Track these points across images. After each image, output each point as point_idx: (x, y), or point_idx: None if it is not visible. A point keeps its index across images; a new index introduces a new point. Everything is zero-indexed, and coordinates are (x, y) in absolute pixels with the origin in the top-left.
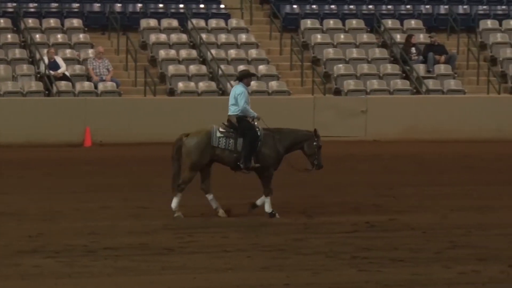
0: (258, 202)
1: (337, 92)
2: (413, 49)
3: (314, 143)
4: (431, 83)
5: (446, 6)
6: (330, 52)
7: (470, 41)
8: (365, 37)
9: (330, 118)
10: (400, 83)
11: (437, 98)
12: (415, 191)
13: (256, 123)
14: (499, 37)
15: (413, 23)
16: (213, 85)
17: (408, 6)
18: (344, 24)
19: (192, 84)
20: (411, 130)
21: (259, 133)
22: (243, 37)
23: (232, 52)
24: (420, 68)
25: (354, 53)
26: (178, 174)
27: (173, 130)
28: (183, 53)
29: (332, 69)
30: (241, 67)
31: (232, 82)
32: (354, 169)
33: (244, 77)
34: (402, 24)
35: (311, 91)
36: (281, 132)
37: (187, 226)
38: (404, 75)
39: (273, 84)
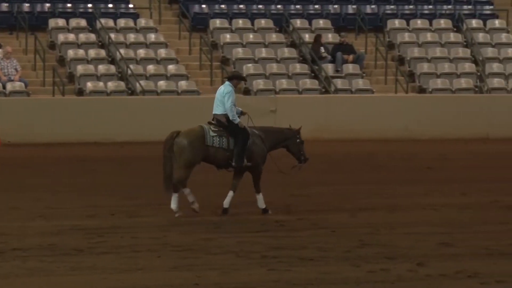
0: (260, 204)
1: (246, 91)
2: (322, 49)
3: (298, 140)
4: (339, 83)
5: (354, 6)
6: (239, 52)
7: (378, 40)
8: (274, 36)
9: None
10: (309, 83)
11: (346, 97)
12: (324, 190)
13: (241, 120)
14: (406, 36)
15: (321, 23)
16: (122, 85)
17: (317, 6)
18: (253, 24)
19: (101, 84)
20: (320, 129)
21: (249, 132)
22: (152, 36)
23: (141, 52)
24: (329, 68)
25: (263, 52)
26: (171, 174)
27: (81, 130)
28: (92, 52)
29: (242, 69)
30: (151, 67)
31: (141, 81)
32: (264, 168)
33: (234, 78)
34: (310, 24)
35: None
36: (265, 131)
37: (96, 226)
38: (313, 74)
39: (183, 84)
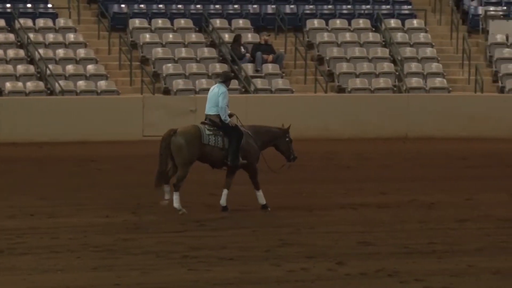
0: (261, 201)
1: (166, 91)
2: (242, 49)
3: (287, 139)
4: (259, 82)
5: (273, 6)
6: (159, 52)
7: (298, 40)
8: (194, 36)
9: (160, 117)
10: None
11: (266, 97)
12: (244, 189)
13: (231, 120)
14: (325, 36)
15: (241, 22)
16: (41, 85)
17: (236, 6)
18: (172, 24)
19: (19, 84)
20: None
21: (242, 131)
22: (71, 36)
23: (60, 52)
24: (249, 68)
25: (183, 52)
26: (165, 171)
27: (1, 130)
28: (11, 52)
29: (161, 68)
30: (70, 67)
31: (61, 81)
32: None
33: (228, 80)
34: (230, 24)
35: (140, 91)
36: (255, 130)
37: (16, 227)
38: (232, 74)
39: (102, 84)
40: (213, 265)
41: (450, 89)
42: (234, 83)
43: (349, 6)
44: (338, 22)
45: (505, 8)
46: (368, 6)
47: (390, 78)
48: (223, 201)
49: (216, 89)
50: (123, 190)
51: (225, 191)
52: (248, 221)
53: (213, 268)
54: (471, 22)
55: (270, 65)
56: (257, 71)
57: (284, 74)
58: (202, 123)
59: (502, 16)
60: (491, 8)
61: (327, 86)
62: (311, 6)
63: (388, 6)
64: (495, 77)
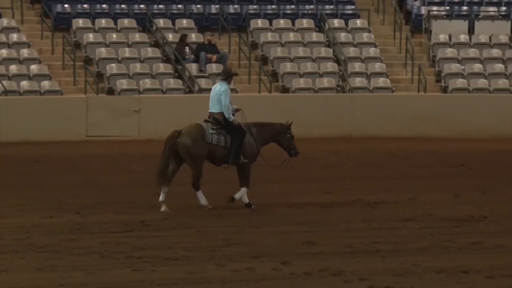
0: (237, 196)
1: (110, 91)
2: (186, 49)
3: (288, 135)
4: (203, 82)
5: (217, 6)
6: (102, 52)
7: (241, 40)
8: (137, 36)
9: (103, 117)
10: (173, 83)
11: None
12: (188, 189)
13: (235, 117)
14: (269, 36)
15: (184, 22)
16: None
17: (180, 6)
18: (116, 24)
19: None
20: None
21: (245, 130)
22: (14, 36)
23: (3, 52)
24: (193, 68)
25: (127, 52)
26: (165, 171)
27: None
28: None
29: (105, 68)
30: (13, 67)
31: (4, 82)
32: (127, 169)
33: (229, 77)
34: (174, 24)
35: (84, 91)
36: (258, 127)
37: None
38: (177, 74)
39: (45, 84)
40: (158, 265)
41: (394, 89)
42: (178, 83)
43: (292, 6)
44: (282, 22)
45: (447, 8)
46: (312, 6)
47: (333, 78)
48: (244, 199)
49: (218, 87)
50: (67, 191)
51: (243, 190)
52: (193, 221)
53: (158, 268)
54: (414, 22)
55: (214, 65)
56: (201, 71)
57: None
58: (205, 121)
59: (445, 16)
60: (434, 8)
61: (271, 86)
62: (254, 6)
63: (331, 6)
64: (438, 77)
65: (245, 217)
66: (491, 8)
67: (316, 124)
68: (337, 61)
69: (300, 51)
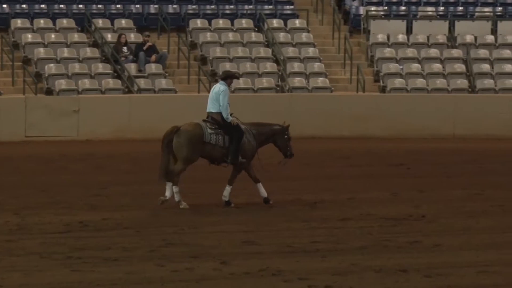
0: (225, 193)
1: (49, 91)
2: (125, 49)
3: (285, 137)
4: (142, 82)
5: (156, 6)
6: (41, 52)
7: (181, 40)
8: (76, 36)
9: (42, 118)
10: (112, 83)
11: (149, 97)
12: (128, 189)
13: (233, 119)
14: (208, 36)
15: (123, 22)
16: None
17: (119, 6)
18: (54, 24)
19: None
20: (124, 129)
21: (243, 130)
22: None
23: None
24: (132, 68)
25: (65, 52)
26: (166, 167)
27: None
28: None
29: (44, 68)
30: None
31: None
32: (66, 169)
33: (228, 77)
34: (113, 24)
35: (23, 91)
36: (256, 127)
37: None
38: (115, 74)
39: None
40: (97, 266)
41: (332, 88)
42: (117, 83)
43: (231, 6)
44: (221, 22)
45: (386, 8)
46: (251, 6)
47: (273, 78)
48: (263, 193)
49: (217, 88)
50: (6, 191)
51: (259, 185)
52: (132, 222)
53: (97, 269)
54: (353, 22)
55: (153, 65)
56: (140, 71)
57: (167, 74)
58: (204, 120)
59: (383, 16)
60: (372, 8)
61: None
62: (194, 6)
63: (270, 6)
64: (376, 77)
65: (184, 217)
66: (429, 8)
67: None
68: (276, 61)
69: (239, 51)
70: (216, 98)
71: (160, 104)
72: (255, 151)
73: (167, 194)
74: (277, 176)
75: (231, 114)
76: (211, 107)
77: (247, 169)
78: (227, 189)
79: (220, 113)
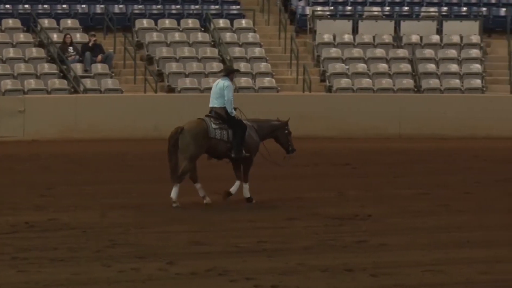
0: (232, 189)
1: None
2: (71, 49)
3: (286, 132)
4: (88, 83)
5: (102, 6)
6: None
7: (127, 40)
8: (22, 36)
9: None
10: (58, 83)
11: (95, 97)
12: (74, 190)
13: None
14: (155, 36)
15: (69, 22)
16: None
17: (64, 6)
18: (0, 24)
19: None
20: (70, 129)
21: (246, 124)
22: None
23: None
24: (78, 68)
25: (11, 52)
26: (176, 167)
27: None
28: None
29: None
30: None
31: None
32: (12, 170)
33: (230, 72)
34: (58, 24)
35: None
36: (258, 123)
37: None
38: (61, 74)
39: None
40: (43, 267)
41: (279, 88)
42: (63, 83)
43: (178, 6)
44: (167, 22)
45: (332, 8)
46: (197, 6)
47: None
48: (246, 193)
49: (221, 83)
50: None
51: (245, 186)
52: (78, 222)
53: (43, 270)
54: (299, 22)
55: (99, 65)
56: (86, 71)
57: (113, 74)
58: (207, 116)
59: (329, 16)
60: (318, 8)
61: (157, 86)
62: (140, 6)
63: (216, 6)
64: (322, 77)
65: (130, 217)
66: (375, 8)
67: None
68: (223, 61)
69: (186, 51)
70: (221, 93)
71: (106, 104)
72: (258, 146)
73: (173, 195)
74: (223, 175)
75: (234, 109)
76: (214, 102)
77: (245, 166)
78: (245, 186)
79: (223, 108)
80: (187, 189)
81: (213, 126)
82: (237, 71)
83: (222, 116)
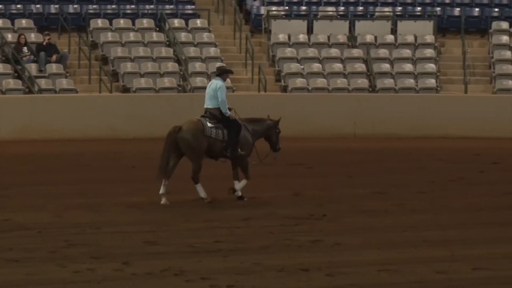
0: (237, 186)
1: None
2: (25, 49)
3: (277, 131)
4: (43, 83)
5: (57, 6)
6: None
7: (81, 40)
8: None
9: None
10: (12, 83)
11: (50, 97)
12: (29, 190)
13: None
14: (109, 36)
15: (24, 22)
16: None
17: (19, 6)
18: None
19: None
20: (25, 129)
21: (240, 124)
22: None
23: None
24: (32, 68)
25: None
26: (167, 165)
27: None
28: None
29: None
30: None
31: None
32: None
33: (223, 73)
34: (13, 24)
35: None
36: (252, 123)
37: None
38: (16, 74)
39: None
40: None
41: (234, 88)
42: (18, 83)
43: (132, 6)
44: (122, 22)
45: (287, 8)
46: (152, 6)
47: (174, 78)
48: (237, 188)
49: (214, 84)
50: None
51: (243, 182)
52: (33, 222)
53: None
54: (254, 22)
55: (54, 65)
56: (40, 71)
57: (68, 74)
58: (202, 116)
59: (284, 16)
60: (273, 8)
61: (112, 86)
62: (94, 6)
63: (171, 6)
64: (278, 76)
65: (85, 218)
66: (330, 8)
67: (157, 124)
68: (178, 61)
69: (141, 51)
70: (214, 94)
71: (62, 104)
72: (252, 146)
73: (162, 190)
74: (179, 176)
75: (229, 109)
76: (208, 103)
77: (242, 164)
78: (243, 182)
79: (218, 108)
80: (143, 190)
81: (209, 125)
82: (230, 71)
83: (216, 116)
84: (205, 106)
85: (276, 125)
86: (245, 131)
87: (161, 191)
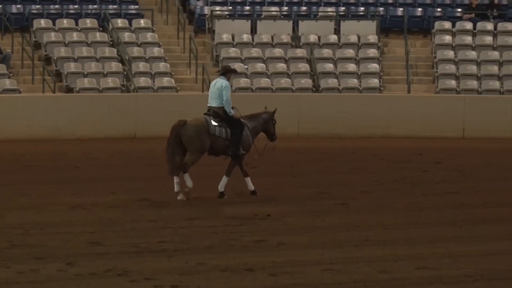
0: (251, 186)
1: None
2: None
3: (274, 122)
4: None
5: (0, 6)
6: None
7: (24, 40)
8: None
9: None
10: None
11: None
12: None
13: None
14: (53, 36)
15: None
16: None
17: None
18: None
19: None
20: None
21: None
22: None
23: None
24: None
25: None
26: (173, 159)
27: None
28: None
29: None
30: None
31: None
32: None
33: (228, 72)
34: None
35: None
36: (252, 120)
37: None
38: (232, 67)
39: None
40: None
41: (178, 88)
42: None
43: (76, 6)
44: (65, 22)
45: (230, 8)
46: (95, 6)
47: (118, 78)
48: (250, 186)
49: (219, 83)
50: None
51: (247, 179)
52: None
53: None
54: (198, 22)
55: None
56: None
57: (11, 74)
58: (206, 114)
59: (227, 16)
60: (217, 8)
61: (55, 86)
62: (37, 6)
63: (115, 6)
64: None
65: (29, 218)
66: (273, 8)
67: (101, 124)
68: (121, 60)
69: (84, 51)
70: (219, 93)
71: (4, 104)
72: (251, 144)
73: (176, 188)
74: (123, 176)
75: (232, 108)
76: (212, 102)
77: (236, 162)
78: (224, 179)
79: (221, 107)
80: (88, 190)
81: (213, 123)
82: (234, 71)
83: (220, 115)
84: (208, 105)
85: (272, 117)
86: (247, 130)
87: (176, 189)
